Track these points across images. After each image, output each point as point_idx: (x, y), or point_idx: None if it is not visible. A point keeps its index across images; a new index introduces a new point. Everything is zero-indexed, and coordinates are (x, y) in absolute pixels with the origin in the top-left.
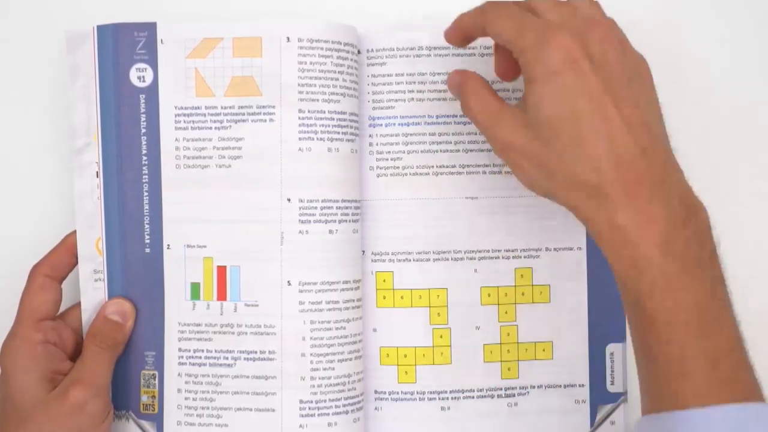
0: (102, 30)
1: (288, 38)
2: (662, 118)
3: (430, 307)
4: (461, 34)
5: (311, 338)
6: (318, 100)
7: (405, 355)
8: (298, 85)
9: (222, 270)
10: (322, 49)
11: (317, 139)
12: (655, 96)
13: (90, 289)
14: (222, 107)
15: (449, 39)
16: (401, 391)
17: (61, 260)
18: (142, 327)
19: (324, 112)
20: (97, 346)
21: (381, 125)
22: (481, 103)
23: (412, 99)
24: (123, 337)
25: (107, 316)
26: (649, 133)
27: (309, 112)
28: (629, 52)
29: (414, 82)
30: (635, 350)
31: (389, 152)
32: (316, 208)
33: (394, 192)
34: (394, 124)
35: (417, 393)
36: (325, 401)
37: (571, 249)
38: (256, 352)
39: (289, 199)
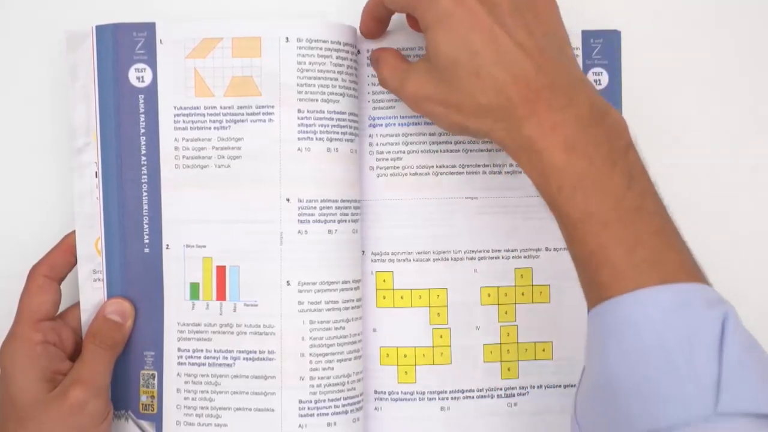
0: (101, 30)
1: (287, 38)
2: (566, 44)
3: (430, 307)
4: (372, 21)
5: (311, 338)
6: (317, 100)
7: (405, 355)
8: (297, 85)
9: (221, 270)
10: (321, 49)
11: (316, 139)
12: (554, 27)
13: (89, 289)
14: (221, 107)
15: (365, 31)
16: (401, 391)
17: (60, 260)
18: (141, 327)
19: (323, 112)
20: (96, 346)
21: (381, 125)
22: (390, 69)
23: None
24: (122, 336)
25: (107, 316)
26: (544, 53)
27: (308, 112)
28: None
29: None
30: (571, 256)
31: (389, 152)
32: (315, 208)
33: (394, 192)
34: (394, 124)
35: (417, 393)
36: (324, 401)
37: None
38: (255, 352)
39: (288, 199)
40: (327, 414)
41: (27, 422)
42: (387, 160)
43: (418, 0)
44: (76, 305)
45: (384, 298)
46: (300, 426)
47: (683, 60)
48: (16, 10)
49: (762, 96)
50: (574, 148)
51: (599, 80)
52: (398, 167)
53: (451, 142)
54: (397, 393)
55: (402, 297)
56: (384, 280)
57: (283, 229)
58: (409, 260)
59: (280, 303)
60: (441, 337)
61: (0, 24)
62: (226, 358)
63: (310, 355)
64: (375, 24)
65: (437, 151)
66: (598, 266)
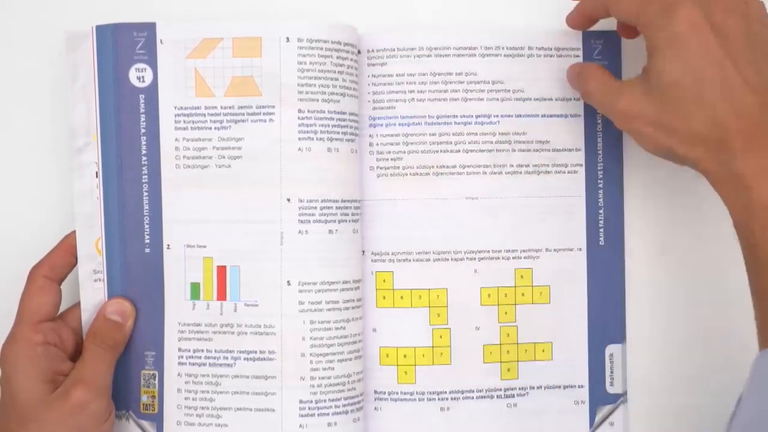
0: (101, 30)
1: (288, 38)
2: None
3: (429, 307)
4: (584, 17)
5: (311, 338)
6: (318, 100)
7: (405, 356)
8: (298, 85)
9: (222, 270)
10: (321, 49)
11: (317, 139)
12: None
13: (89, 289)
14: (222, 107)
15: (572, 23)
16: (401, 392)
17: (61, 261)
18: (141, 327)
19: (324, 112)
20: (97, 347)
21: (381, 125)
22: (600, 84)
23: (413, 99)
24: (123, 337)
25: (107, 316)
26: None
27: (309, 112)
28: (755, 22)
29: (414, 83)
30: (751, 291)
31: (389, 152)
32: (315, 208)
33: (394, 192)
34: (395, 124)
35: (417, 393)
36: (324, 401)
37: (571, 250)
38: (255, 352)
39: (288, 199)
40: (327, 414)
41: (29, 423)
42: (387, 160)
43: (653, 18)
44: (77, 305)
45: (384, 298)
46: (300, 426)
47: None
48: (16, 10)
49: None
50: None
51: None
52: (398, 167)
53: (451, 143)
54: (397, 393)
55: (402, 297)
56: (384, 280)
57: (284, 229)
58: (409, 260)
59: (280, 303)
60: (441, 337)
61: (0, 24)
62: (227, 358)
63: (311, 355)
64: (584, 23)
65: (437, 152)
66: None
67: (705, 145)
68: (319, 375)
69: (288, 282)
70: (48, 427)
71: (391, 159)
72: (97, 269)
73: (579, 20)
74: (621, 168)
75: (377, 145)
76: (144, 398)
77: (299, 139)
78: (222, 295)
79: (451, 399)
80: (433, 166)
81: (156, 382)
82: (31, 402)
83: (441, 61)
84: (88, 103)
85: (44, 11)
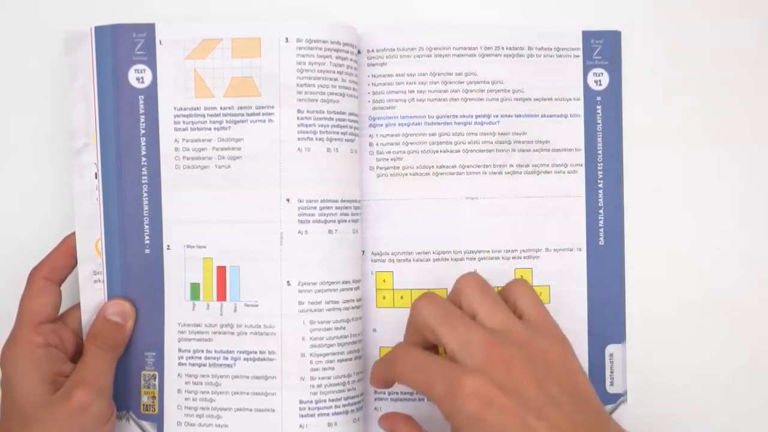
0: (100, 31)
1: (287, 39)
2: (591, 395)
3: None
4: (381, 381)
5: (311, 338)
6: (317, 100)
7: None
8: (297, 85)
9: (222, 270)
10: (321, 49)
11: (316, 139)
12: (574, 381)
13: (89, 290)
14: (221, 108)
15: (375, 385)
16: (401, 392)
17: (61, 262)
18: (142, 327)
19: (323, 112)
20: (98, 347)
21: (381, 125)
22: None
23: (413, 99)
24: (123, 337)
25: (107, 317)
26: (577, 426)
27: (308, 112)
28: (535, 348)
29: (414, 83)
30: None
31: (389, 152)
32: (315, 208)
33: (394, 192)
34: (395, 124)
35: (416, 393)
36: (325, 401)
37: (571, 250)
38: (255, 353)
39: (288, 200)
40: (328, 414)
41: (31, 425)
42: (387, 160)
43: (443, 397)
44: (76, 306)
45: (384, 298)
46: (301, 426)
47: (684, 60)
48: (15, 10)
49: (763, 96)
50: None
51: (599, 81)
52: (398, 167)
53: (451, 143)
54: (397, 393)
55: (402, 297)
56: (384, 280)
57: (284, 230)
58: (409, 260)
59: (280, 303)
60: None
61: None
62: (227, 358)
63: (311, 355)
64: (384, 385)
65: (437, 152)
66: None
67: None
68: (319, 375)
69: (288, 282)
70: (50, 428)
71: (391, 159)
72: (97, 270)
73: (378, 383)
74: (621, 168)
75: (377, 145)
76: (144, 399)
77: (299, 139)
78: (222, 296)
79: None
80: (432, 166)
81: (156, 382)
82: (32, 404)
83: (441, 61)
84: (88, 104)
85: (43, 12)
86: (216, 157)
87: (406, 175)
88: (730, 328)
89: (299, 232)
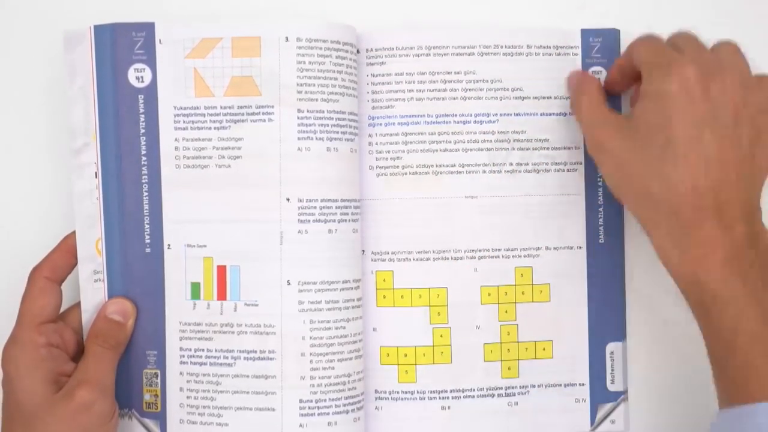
0: (99, 30)
1: (287, 38)
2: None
3: (430, 306)
4: (618, 74)
5: (311, 338)
6: (317, 99)
7: (405, 355)
8: (297, 84)
9: (222, 269)
10: (320, 48)
11: (316, 138)
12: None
13: (90, 290)
14: (221, 107)
15: (610, 86)
16: (401, 391)
17: (61, 262)
18: (143, 326)
19: (323, 111)
20: (99, 347)
21: (381, 125)
22: (591, 104)
23: (412, 98)
24: (125, 336)
25: (108, 316)
26: (733, 174)
27: (308, 111)
28: (753, 106)
29: (413, 82)
30: (708, 350)
31: (389, 151)
32: (315, 207)
33: (394, 191)
34: (394, 124)
35: (417, 392)
36: (325, 401)
37: (571, 248)
38: (256, 352)
39: (288, 199)
40: (328, 413)
41: (34, 425)
42: (387, 159)
43: (655, 69)
44: (77, 306)
45: (384, 297)
46: (301, 425)
47: None
48: (15, 9)
49: None
50: (730, 265)
51: (599, 79)
52: (398, 166)
53: (450, 142)
54: (398, 392)
55: (402, 296)
56: (384, 280)
57: (284, 229)
58: (409, 259)
59: (280, 302)
60: (441, 336)
61: None
62: (227, 357)
63: (311, 354)
64: (621, 78)
65: (437, 150)
66: (746, 379)
67: (657, 209)
68: (319, 374)
69: (288, 281)
70: (53, 427)
71: (391, 158)
72: (98, 270)
73: (614, 79)
74: None
75: (376, 144)
76: (147, 397)
77: (299, 138)
78: (222, 295)
79: (452, 398)
80: (432, 165)
81: (158, 380)
82: (35, 404)
83: (440, 60)
84: (87, 103)
85: (42, 11)
86: (216, 157)
87: (406, 174)
88: None
89: (299, 231)
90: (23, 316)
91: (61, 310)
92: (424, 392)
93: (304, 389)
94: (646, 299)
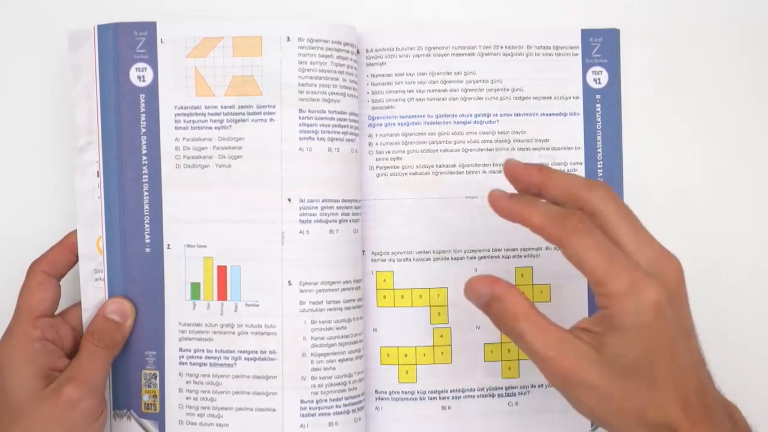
0: (102, 29)
1: (288, 38)
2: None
3: (430, 306)
4: (546, 232)
5: (312, 338)
6: (318, 99)
7: (405, 355)
8: (299, 84)
9: (222, 270)
10: (322, 48)
11: (317, 138)
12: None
13: (90, 288)
14: (222, 107)
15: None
16: (402, 391)
17: (60, 258)
18: (142, 327)
19: (324, 111)
20: (94, 345)
21: (381, 125)
22: (537, 330)
23: (412, 99)
24: (121, 336)
25: (107, 315)
26: (706, 369)
27: (309, 111)
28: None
29: (413, 82)
30: None
31: (389, 152)
32: (316, 207)
33: (394, 191)
34: (394, 124)
35: (418, 392)
36: (326, 401)
37: None
38: (256, 352)
39: (289, 199)
40: (329, 414)
41: (20, 418)
42: (387, 159)
43: (620, 293)
44: (78, 304)
45: (384, 297)
46: (302, 426)
47: (683, 58)
48: (18, 9)
49: (763, 93)
50: None
51: (599, 79)
52: (398, 167)
53: (450, 142)
54: (398, 392)
55: (402, 296)
56: (384, 280)
57: (285, 229)
58: (410, 260)
59: (281, 303)
60: (441, 336)
61: (1, 23)
62: (227, 358)
63: (312, 354)
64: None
65: (437, 151)
66: None
67: (654, 429)
68: (320, 375)
69: (289, 282)
70: (38, 422)
71: (391, 158)
72: (98, 269)
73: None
74: (621, 166)
75: (377, 144)
76: (145, 397)
77: (300, 138)
78: (222, 295)
79: (453, 398)
80: (432, 166)
81: (157, 381)
82: (22, 397)
83: (440, 61)
84: (90, 103)
85: (46, 11)
86: (217, 156)
87: (406, 174)
88: (730, 327)
89: (300, 231)
90: (20, 310)
91: (63, 308)
92: (424, 392)
93: (305, 390)
94: None
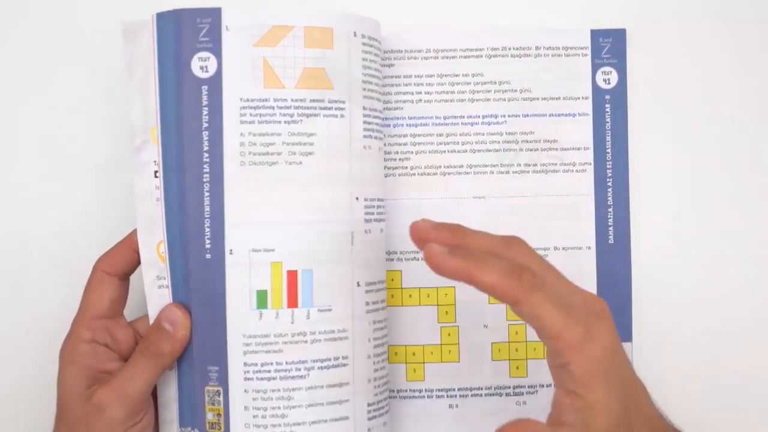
0: (162, 17)
1: (355, 33)
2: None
3: (438, 305)
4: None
5: (374, 338)
6: (373, 98)
7: (413, 353)
8: (363, 81)
9: (292, 275)
10: (374, 48)
11: (374, 137)
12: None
13: (155, 296)
14: (292, 100)
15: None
16: (410, 389)
17: (121, 256)
18: (204, 340)
19: (377, 110)
20: (140, 353)
21: (389, 126)
22: None
23: (420, 100)
24: (171, 347)
25: (161, 323)
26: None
27: (369, 109)
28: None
29: (421, 84)
30: None
31: (397, 152)
32: (374, 206)
33: (402, 192)
34: (402, 125)
35: (425, 391)
36: (381, 401)
37: (580, 249)
38: (330, 360)
39: (357, 198)
40: (383, 414)
41: (64, 417)
42: (395, 160)
43: (576, 344)
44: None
45: (392, 296)
46: (369, 430)
47: (692, 58)
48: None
49: None
50: None
51: (608, 79)
52: (406, 167)
53: (458, 143)
54: (406, 391)
55: (410, 295)
56: (392, 279)
57: (354, 229)
58: (417, 259)
59: (352, 305)
60: (449, 335)
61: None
62: (299, 369)
63: (375, 356)
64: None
65: (445, 152)
66: None
67: None
68: (378, 375)
69: (358, 283)
70: (72, 422)
71: (399, 159)
72: (161, 275)
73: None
74: (629, 166)
75: (385, 145)
76: (209, 416)
77: (364, 136)
78: (293, 302)
79: (460, 396)
80: (440, 166)
81: (221, 399)
82: (66, 396)
83: (448, 63)
84: (146, 98)
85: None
86: (286, 153)
87: (414, 175)
88: (737, 327)
89: (365, 231)
90: (79, 309)
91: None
92: (432, 391)
93: (370, 392)
94: (652, 301)
